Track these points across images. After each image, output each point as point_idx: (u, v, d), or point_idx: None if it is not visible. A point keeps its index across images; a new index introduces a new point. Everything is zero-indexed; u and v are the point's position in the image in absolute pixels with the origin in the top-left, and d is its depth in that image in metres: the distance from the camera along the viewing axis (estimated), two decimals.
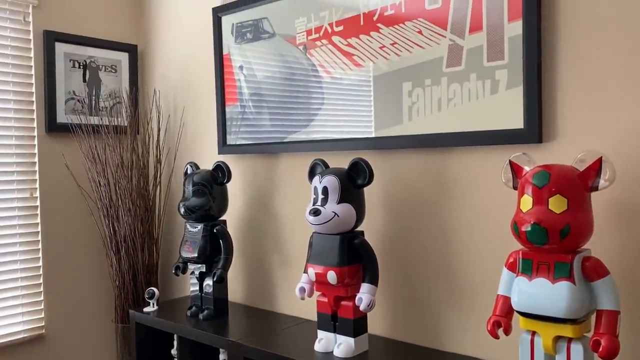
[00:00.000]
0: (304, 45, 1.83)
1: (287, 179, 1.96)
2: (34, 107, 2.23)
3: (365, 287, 1.44)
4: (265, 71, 1.97)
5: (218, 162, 1.90)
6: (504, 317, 1.17)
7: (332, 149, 1.75)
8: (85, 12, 2.38)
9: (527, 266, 1.11)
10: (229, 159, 2.17)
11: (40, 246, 2.26)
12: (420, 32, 1.51)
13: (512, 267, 1.16)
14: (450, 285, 1.51)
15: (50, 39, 2.24)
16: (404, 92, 1.56)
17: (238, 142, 2.08)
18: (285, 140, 1.91)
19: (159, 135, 2.37)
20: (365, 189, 1.57)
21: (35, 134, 2.24)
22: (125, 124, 2.40)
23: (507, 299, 1.17)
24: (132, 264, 2.28)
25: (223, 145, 2.14)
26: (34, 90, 2.23)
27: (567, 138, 1.29)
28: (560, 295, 1.05)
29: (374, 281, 1.45)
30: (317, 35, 1.78)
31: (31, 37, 2.22)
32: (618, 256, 1.22)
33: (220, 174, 1.91)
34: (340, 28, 1.71)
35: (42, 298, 2.26)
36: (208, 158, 2.28)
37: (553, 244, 1.05)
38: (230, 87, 2.10)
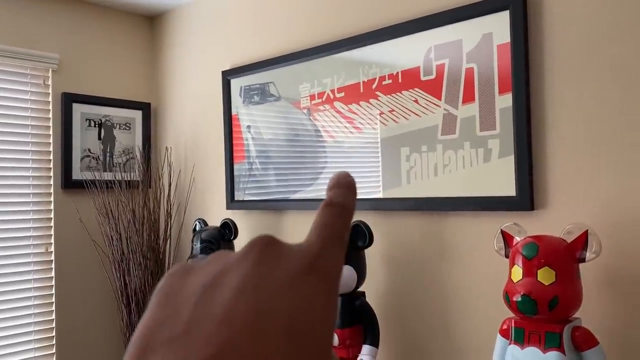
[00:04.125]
0: (307, 109, 1.92)
1: (292, 236, 2.01)
2: (51, 165, 2.33)
3: (366, 349, 1.48)
4: (272, 132, 2.05)
5: (225, 219, 1.97)
6: None
7: None
8: (101, 73, 2.51)
9: (519, 335, 1.15)
10: (236, 214, 2.24)
11: (54, 299, 2.32)
12: (416, 101, 1.59)
13: (505, 334, 1.20)
14: (449, 346, 1.54)
15: (68, 101, 2.35)
16: (402, 157, 1.63)
17: (245, 198, 2.16)
18: (290, 198, 1.98)
19: (169, 189, 2.46)
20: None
21: (52, 190, 2.33)
22: (138, 179, 2.49)
23: None
24: (142, 316, 2.32)
25: (231, 201, 2.21)
26: (51, 149, 2.33)
27: (558, 206, 1.34)
28: None
29: (375, 343, 1.49)
30: (320, 100, 1.87)
31: (50, 99, 2.33)
32: (609, 324, 1.25)
33: (228, 231, 1.97)
34: (342, 94, 1.80)
35: (54, 351, 2.31)
36: (217, 213, 2.35)
37: (542, 314, 1.09)
38: (239, 146, 2.19)
